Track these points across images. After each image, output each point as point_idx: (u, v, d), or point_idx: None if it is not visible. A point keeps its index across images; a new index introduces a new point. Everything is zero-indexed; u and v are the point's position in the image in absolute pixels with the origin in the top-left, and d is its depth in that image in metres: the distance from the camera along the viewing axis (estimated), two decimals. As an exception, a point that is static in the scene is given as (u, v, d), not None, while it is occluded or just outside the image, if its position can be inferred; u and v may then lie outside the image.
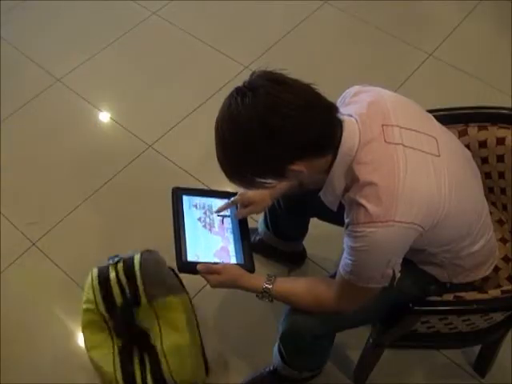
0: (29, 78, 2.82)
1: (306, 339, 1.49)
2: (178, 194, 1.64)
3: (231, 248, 1.55)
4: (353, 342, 1.73)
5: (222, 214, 1.61)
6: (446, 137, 1.35)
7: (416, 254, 1.36)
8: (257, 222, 2.07)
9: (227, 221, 1.62)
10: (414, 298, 1.40)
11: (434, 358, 1.92)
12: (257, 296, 1.46)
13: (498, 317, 1.49)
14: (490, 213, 1.49)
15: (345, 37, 2.93)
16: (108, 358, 1.71)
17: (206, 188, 1.62)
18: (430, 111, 1.41)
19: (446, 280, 1.44)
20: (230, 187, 2.39)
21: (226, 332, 1.98)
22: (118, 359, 1.70)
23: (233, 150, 1.22)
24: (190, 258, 1.47)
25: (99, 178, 2.42)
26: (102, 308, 1.70)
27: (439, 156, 1.26)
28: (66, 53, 2.92)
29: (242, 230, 1.60)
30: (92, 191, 2.38)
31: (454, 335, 1.54)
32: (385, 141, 1.22)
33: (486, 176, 1.58)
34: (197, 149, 2.49)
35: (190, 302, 1.85)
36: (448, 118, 1.53)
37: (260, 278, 1.46)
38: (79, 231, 2.28)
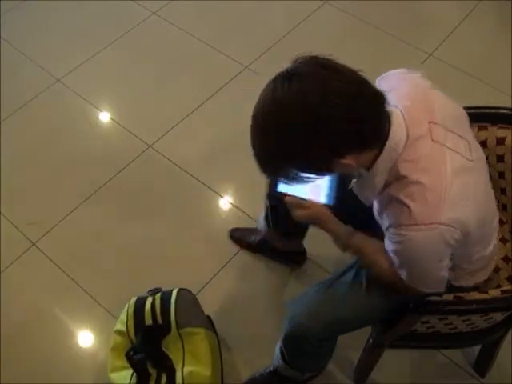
0: (29, 78, 2.82)
1: (309, 342, 1.49)
2: None
3: (324, 187, 1.46)
4: (353, 342, 1.73)
5: None
6: (474, 140, 1.31)
7: None
8: (255, 221, 2.07)
9: None
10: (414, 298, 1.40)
11: (433, 357, 1.93)
12: (334, 241, 1.43)
13: (498, 317, 1.49)
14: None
15: (345, 37, 2.93)
16: (125, 379, 1.70)
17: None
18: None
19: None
20: (231, 190, 2.40)
21: (226, 331, 1.98)
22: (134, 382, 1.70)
23: (274, 137, 1.11)
24: (281, 189, 1.43)
25: (99, 178, 2.42)
26: (131, 333, 1.74)
27: (472, 161, 1.22)
28: (67, 53, 2.92)
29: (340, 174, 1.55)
30: (92, 191, 2.38)
31: (453, 335, 1.54)
32: (432, 139, 1.18)
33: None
34: (197, 149, 2.50)
35: (218, 342, 1.87)
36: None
37: (344, 227, 1.41)
38: (79, 231, 2.28)
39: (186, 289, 1.87)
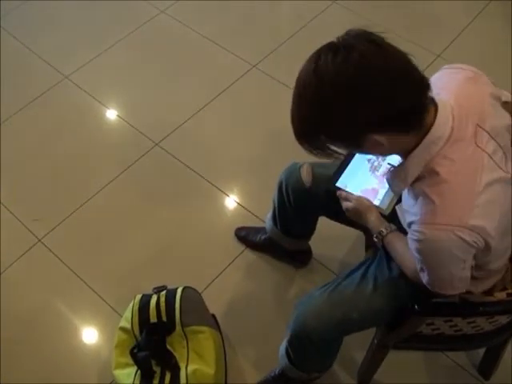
0: (37, 75, 2.83)
1: (315, 342, 1.49)
2: None
3: (381, 192, 1.53)
4: (357, 342, 1.73)
5: (392, 163, 1.59)
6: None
7: None
8: (264, 222, 2.07)
9: None
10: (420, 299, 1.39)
11: (438, 359, 1.92)
12: (372, 235, 1.46)
13: (504, 319, 1.48)
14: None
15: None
16: (130, 377, 1.71)
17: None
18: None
19: None
20: (237, 188, 2.40)
21: (231, 330, 1.98)
22: (138, 380, 1.70)
23: (312, 106, 1.10)
24: (339, 184, 1.54)
25: (105, 176, 2.42)
26: (136, 330, 1.74)
27: (507, 173, 1.21)
28: (75, 50, 2.93)
29: None
30: (98, 189, 2.38)
31: (458, 337, 1.54)
32: (476, 144, 1.16)
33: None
34: (203, 147, 2.50)
35: (223, 341, 1.87)
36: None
37: (383, 222, 1.45)
38: (85, 228, 2.29)
39: (191, 287, 1.87)
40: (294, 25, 2.97)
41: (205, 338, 1.74)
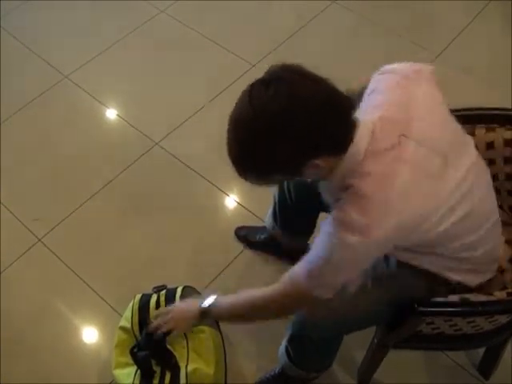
0: (37, 75, 2.83)
1: (314, 341, 1.49)
2: None
3: None
4: (357, 342, 1.73)
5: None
6: (460, 150, 1.30)
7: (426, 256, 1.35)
8: (263, 221, 2.08)
9: None
10: (420, 299, 1.40)
11: (437, 359, 1.92)
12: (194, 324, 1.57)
13: (503, 319, 1.48)
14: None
15: (352, 37, 2.93)
16: (129, 376, 1.70)
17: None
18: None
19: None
20: (237, 188, 2.40)
21: (231, 329, 1.98)
22: (138, 379, 1.69)
23: (253, 143, 1.15)
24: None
25: (106, 175, 2.42)
26: (136, 330, 1.74)
27: (442, 177, 1.22)
28: (74, 50, 2.93)
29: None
30: (98, 188, 2.38)
31: (458, 337, 1.54)
32: (395, 155, 1.17)
33: (493, 178, 1.57)
34: (203, 147, 2.50)
35: (223, 341, 1.85)
36: (455, 118, 1.52)
37: (197, 302, 1.50)
38: (85, 228, 2.29)
39: (190, 286, 1.87)
40: (293, 24, 2.97)
41: (205, 338, 1.73)
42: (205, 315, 1.48)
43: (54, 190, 2.41)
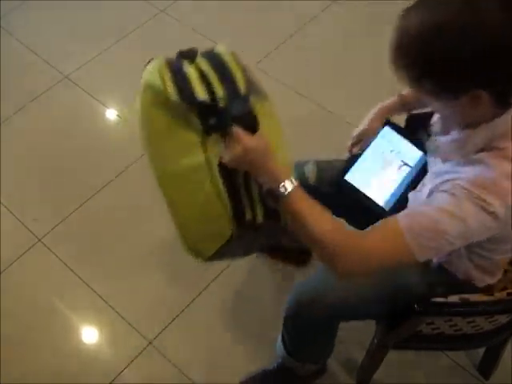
0: (37, 75, 2.83)
1: (306, 325, 1.50)
2: (385, 123, 1.62)
3: (388, 191, 1.51)
4: (357, 342, 1.73)
5: (406, 161, 1.57)
6: None
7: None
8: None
9: (405, 169, 1.58)
10: (417, 295, 1.39)
11: (437, 359, 1.92)
12: (268, 191, 1.18)
13: (504, 319, 1.48)
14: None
15: (352, 37, 2.92)
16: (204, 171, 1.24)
17: (407, 132, 1.56)
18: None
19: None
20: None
21: (230, 331, 1.99)
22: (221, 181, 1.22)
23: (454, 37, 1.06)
24: (347, 177, 1.52)
25: (105, 175, 2.42)
26: (173, 93, 1.20)
27: None
28: (74, 50, 2.93)
29: (411, 185, 1.53)
30: (98, 188, 2.38)
31: (458, 337, 1.54)
32: None
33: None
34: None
35: None
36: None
37: (287, 171, 1.19)
38: (85, 228, 2.29)
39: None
40: (293, 25, 2.97)
41: (269, 115, 1.24)
42: (287, 188, 1.16)
43: (54, 190, 2.41)
